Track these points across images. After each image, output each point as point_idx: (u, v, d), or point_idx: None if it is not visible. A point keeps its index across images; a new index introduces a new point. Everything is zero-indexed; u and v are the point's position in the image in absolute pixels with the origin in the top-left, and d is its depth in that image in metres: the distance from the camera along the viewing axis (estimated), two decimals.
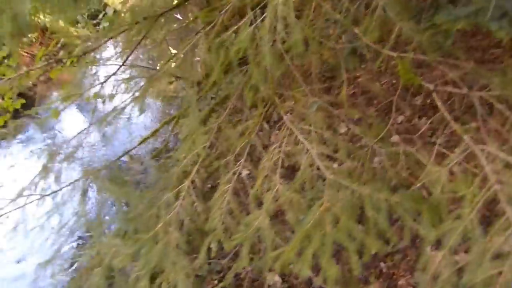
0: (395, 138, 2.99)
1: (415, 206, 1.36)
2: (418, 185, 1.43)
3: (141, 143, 2.70)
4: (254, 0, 1.80)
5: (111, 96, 3.01)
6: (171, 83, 4.27)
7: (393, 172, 1.72)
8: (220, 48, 1.80)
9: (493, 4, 1.33)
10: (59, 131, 5.66)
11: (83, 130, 2.83)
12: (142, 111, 2.03)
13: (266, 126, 2.76)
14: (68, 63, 3.23)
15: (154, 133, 2.70)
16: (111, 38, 2.92)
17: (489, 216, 1.45)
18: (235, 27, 1.75)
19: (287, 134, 1.65)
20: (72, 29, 8.76)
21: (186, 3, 3.26)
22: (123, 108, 2.17)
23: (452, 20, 1.38)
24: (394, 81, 3.43)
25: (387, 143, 1.92)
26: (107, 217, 3.01)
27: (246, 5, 1.84)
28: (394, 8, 1.54)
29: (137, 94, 2.38)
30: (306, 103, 1.77)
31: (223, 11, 1.93)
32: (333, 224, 1.32)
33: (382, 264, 2.34)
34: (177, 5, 2.66)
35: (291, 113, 1.75)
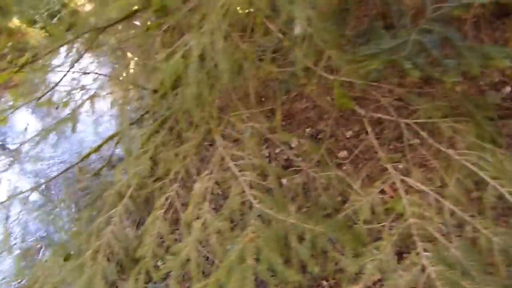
0: (342, 154, 3.04)
1: (339, 236, 1.37)
2: (343, 213, 1.44)
3: (83, 158, 2.60)
4: (189, 24, 1.77)
5: (65, 104, 2.91)
6: (128, 90, 4.17)
7: (327, 196, 1.73)
8: (154, 70, 1.76)
9: (412, 38, 1.36)
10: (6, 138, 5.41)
11: (26, 141, 2.72)
12: (74, 130, 1.96)
13: (205, 150, 2.73)
14: (15, 70, 3.10)
15: (98, 149, 2.61)
16: (59, 46, 2.83)
17: (405, 248, 1.48)
18: (169, 49, 1.72)
19: (219, 160, 1.63)
20: (29, 30, 8.42)
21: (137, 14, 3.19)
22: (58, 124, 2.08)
23: (376, 53, 1.41)
24: None
25: (325, 165, 1.94)
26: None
27: (183, 26, 1.82)
28: (323, 36, 1.55)
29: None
30: (242, 127, 1.76)
31: (161, 30, 1.90)
32: (255, 256, 1.31)
33: (324, 283, 2.35)
34: (123, 19, 2.59)
35: (225, 138, 1.73)
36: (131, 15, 2.98)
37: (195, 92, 1.42)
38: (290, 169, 1.95)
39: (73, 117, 1.99)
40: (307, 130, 3.39)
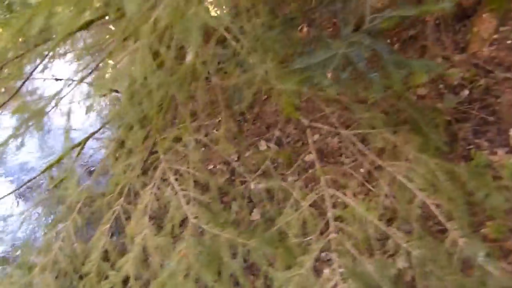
0: (309, 157, 3.06)
1: (272, 250, 1.39)
2: (276, 227, 1.46)
3: (44, 171, 2.60)
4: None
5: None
6: (104, 95, 4.17)
7: (271, 207, 1.75)
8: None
9: (341, 52, 1.37)
10: None
11: None
12: (21, 145, 1.96)
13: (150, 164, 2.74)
14: None
15: (59, 160, 2.61)
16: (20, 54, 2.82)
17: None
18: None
19: (162, 175, 1.64)
20: None
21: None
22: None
23: (306, 67, 1.41)
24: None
25: (266, 177, 1.95)
26: None
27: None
28: (260, 49, 1.55)
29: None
30: (187, 140, 1.78)
31: (111, 40, 1.90)
32: (186, 272, 1.32)
33: None
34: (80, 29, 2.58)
35: (170, 151, 1.74)
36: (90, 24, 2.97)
37: (135, 107, 1.43)
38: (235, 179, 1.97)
39: (19, 133, 1.98)
40: (276, 133, 3.41)
